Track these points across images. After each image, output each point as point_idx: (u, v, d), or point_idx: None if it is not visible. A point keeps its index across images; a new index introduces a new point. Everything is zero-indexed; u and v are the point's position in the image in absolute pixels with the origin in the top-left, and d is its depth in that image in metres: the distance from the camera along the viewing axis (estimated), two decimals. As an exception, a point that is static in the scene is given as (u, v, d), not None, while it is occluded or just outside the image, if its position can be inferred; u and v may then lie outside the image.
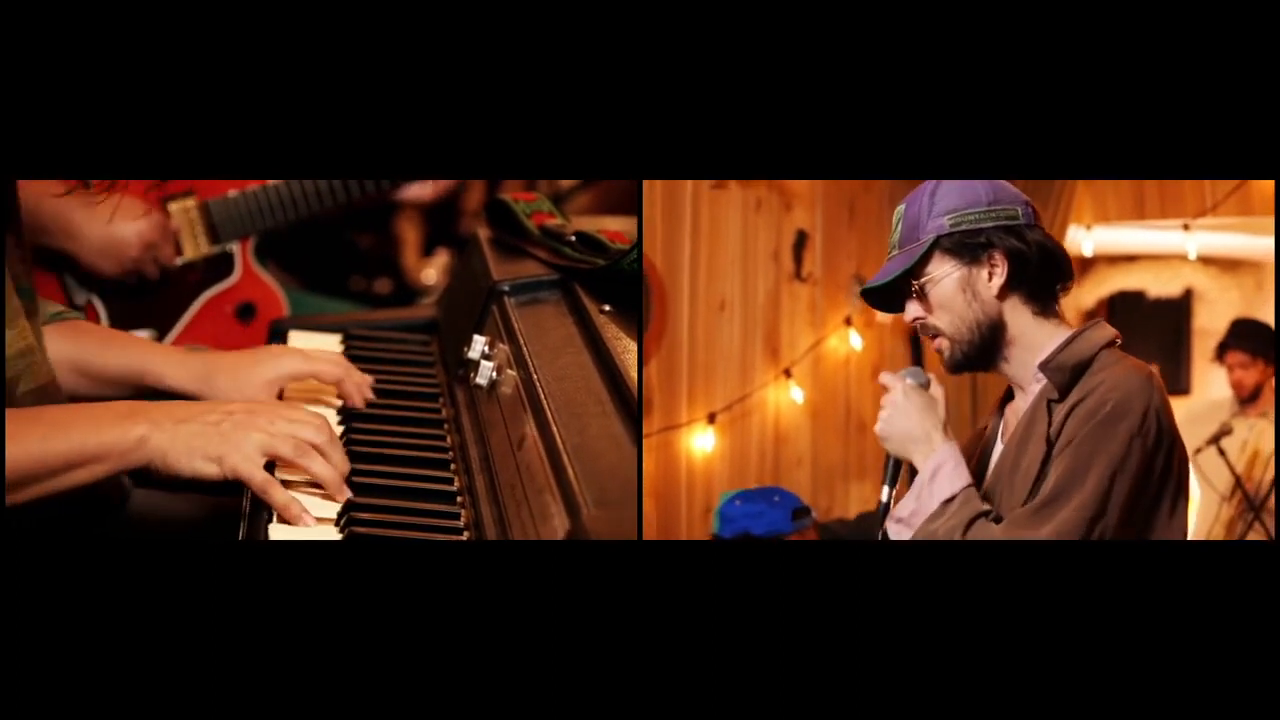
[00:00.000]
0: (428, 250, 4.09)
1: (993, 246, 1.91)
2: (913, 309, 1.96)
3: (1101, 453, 1.81)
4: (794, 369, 4.25)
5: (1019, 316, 1.94)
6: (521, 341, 2.02)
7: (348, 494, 1.88)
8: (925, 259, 1.92)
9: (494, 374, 2.05)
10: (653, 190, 3.85)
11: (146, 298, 2.70)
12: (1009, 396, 2.04)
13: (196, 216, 2.73)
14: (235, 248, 2.82)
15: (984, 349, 1.94)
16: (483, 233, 2.50)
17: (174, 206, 2.72)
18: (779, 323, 4.27)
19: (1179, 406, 5.06)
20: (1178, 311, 4.90)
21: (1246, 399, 4.53)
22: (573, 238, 2.32)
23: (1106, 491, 1.80)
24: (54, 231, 2.53)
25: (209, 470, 1.80)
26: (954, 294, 1.93)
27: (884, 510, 1.96)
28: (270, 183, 2.77)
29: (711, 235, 4.05)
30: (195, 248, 2.76)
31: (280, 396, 2.18)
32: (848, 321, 4.44)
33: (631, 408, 1.73)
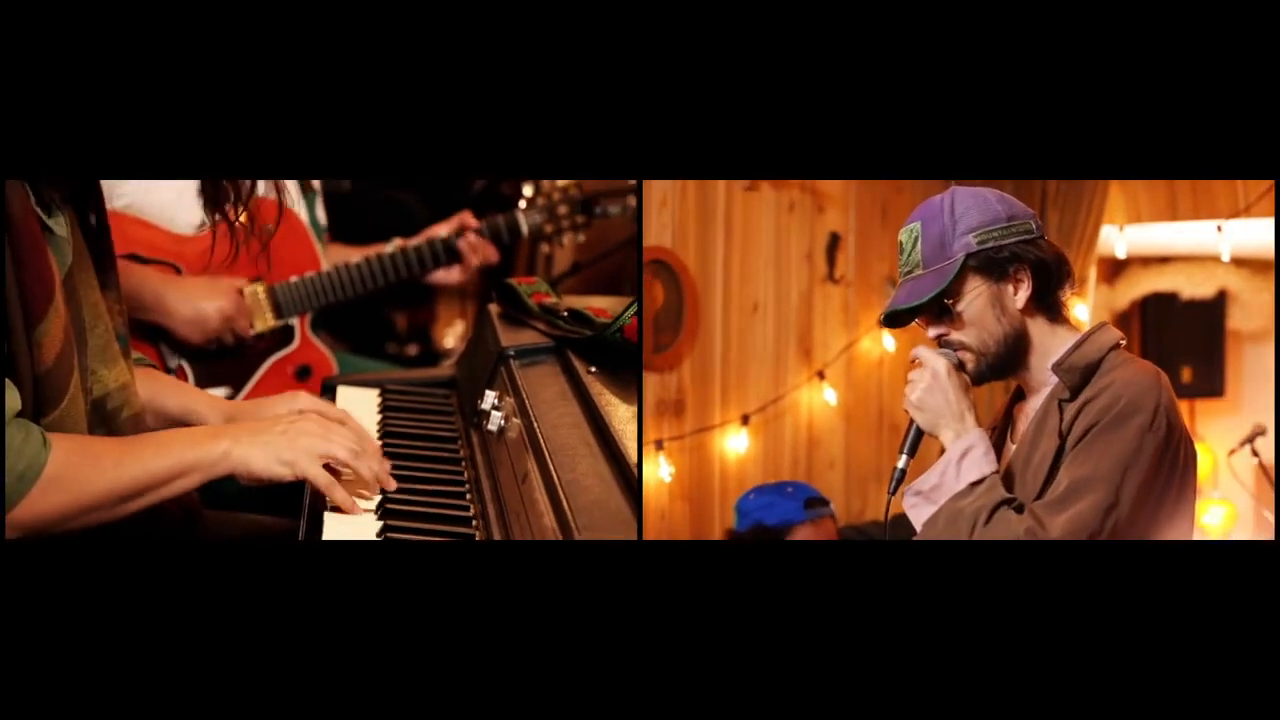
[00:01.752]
0: (449, 322, 4.74)
1: (1018, 261, 1.94)
2: (937, 327, 1.97)
3: (1114, 447, 1.84)
4: (827, 370, 4.13)
5: (1037, 325, 1.97)
6: (524, 396, 2.31)
7: (393, 484, 2.24)
8: (960, 278, 1.95)
9: (502, 422, 2.35)
10: (686, 192, 3.75)
11: (225, 361, 3.26)
12: (1018, 397, 2.06)
13: (264, 297, 3.24)
14: (295, 321, 3.34)
15: (1009, 360, 1.97)
16: (493, 308, 2.92)
17: (246, 289, 3.23)
18: (812, 324, 4.15)
19: (1215, 407, 5.03)
20: (1211, 313, 4.82)
21: None
22: (565, 313, 2.68)
23: (1119, 484, 1.83)
24: (152, 309, 3.09)
25: (283, 472, 2.11)
26: (984, 310, 1.95)
27: (899, 477, 1.99)
28: (323, 270, 3.32)
29: (745, 237, 3.94)
30: (264, 321, 3.28)
31: None
32: (880, 323, 4.45)
33: (614, 449, 2.01)
